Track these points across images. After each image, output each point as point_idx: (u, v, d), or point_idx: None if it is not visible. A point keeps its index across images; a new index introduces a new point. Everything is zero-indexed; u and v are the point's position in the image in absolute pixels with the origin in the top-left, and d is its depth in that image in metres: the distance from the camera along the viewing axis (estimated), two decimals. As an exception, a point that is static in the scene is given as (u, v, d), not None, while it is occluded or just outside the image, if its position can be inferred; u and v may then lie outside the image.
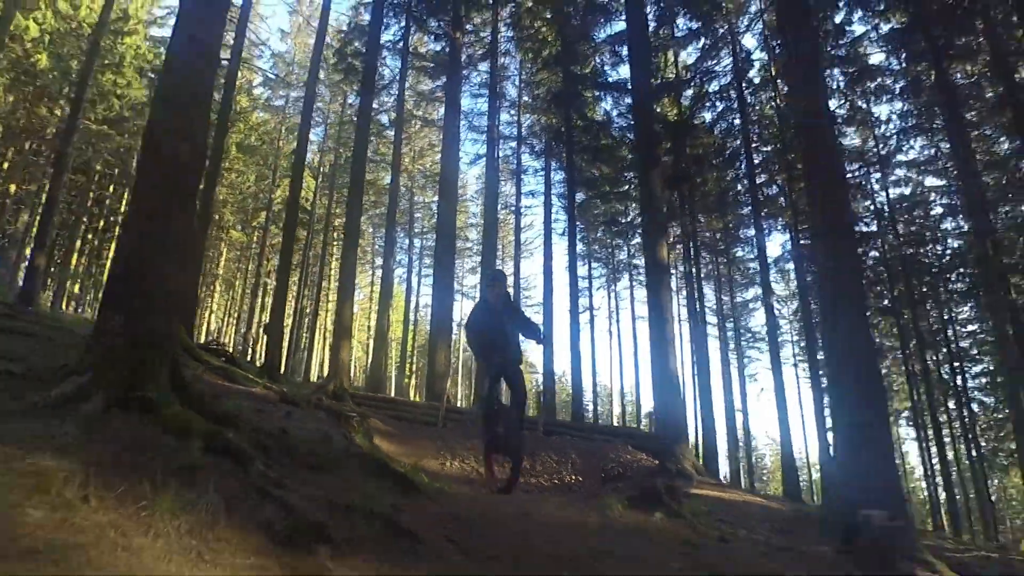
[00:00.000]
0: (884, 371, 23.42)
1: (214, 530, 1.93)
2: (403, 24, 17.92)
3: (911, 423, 23.91)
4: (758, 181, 17.97)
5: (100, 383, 2.57)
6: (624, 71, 20.38)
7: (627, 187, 19.95)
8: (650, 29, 16.81)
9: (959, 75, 14.89)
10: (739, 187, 19.08)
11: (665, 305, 9.28)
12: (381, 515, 2.50)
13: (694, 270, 18.66)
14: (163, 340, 2.91)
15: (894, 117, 19.30)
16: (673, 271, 21.23)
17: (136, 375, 2.71)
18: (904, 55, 15.43)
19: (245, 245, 28.33)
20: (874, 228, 19.48)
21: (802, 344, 23.78)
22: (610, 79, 18.28)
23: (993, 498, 21.16)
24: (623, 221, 22.21)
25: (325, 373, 30.11)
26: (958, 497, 19.90)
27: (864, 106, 17.96)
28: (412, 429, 8.14)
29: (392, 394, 21.76)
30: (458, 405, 16.41)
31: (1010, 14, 12.06)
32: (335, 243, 27.00)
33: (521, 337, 5.06)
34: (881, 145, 18.62)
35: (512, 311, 5.12)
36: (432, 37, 18.76)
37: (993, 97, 14.27)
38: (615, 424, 28.29)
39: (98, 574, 1.50)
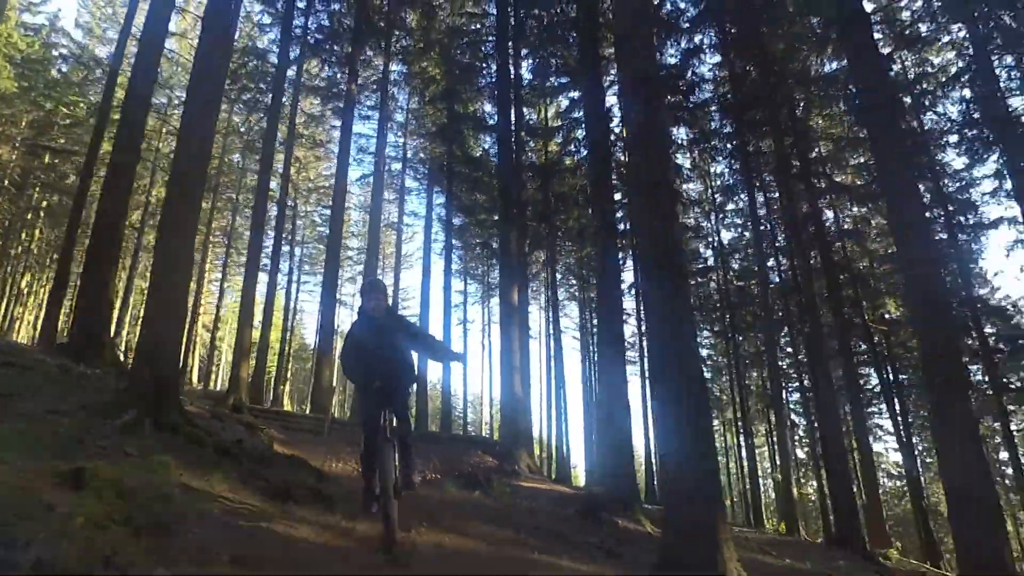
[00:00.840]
0: (719, 386, 28.15)
1: (239, 490, 4.05)
2: (299, 51, 19.34)
3: (740, 430, 28.66)
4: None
5: (144, 414, 4.51)
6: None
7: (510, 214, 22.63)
8: (526, 81, 19.69)
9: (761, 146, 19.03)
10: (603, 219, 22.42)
11: (512, 338, 11.89)
12: (312, 487, 4.69)
13: (550, 294, 21.68)
14: (174, 383, 4.87)
15: (725, 172, 23.61)
16: (537, 298, 24.34)
17: (161, 408, 4.67)
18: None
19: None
20: (711, 263, 23.75)
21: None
22: (490, 122, 20.85)
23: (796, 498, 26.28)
24: (494, 246, 24.87)
25: (196, 377, 30.18)
26: (772, 494, 24.59)
27: (701, 163, 22.04)
28: (301, 437, 10.04)
29: (269, 400, 22.86)
30: (335, 415, 18.05)
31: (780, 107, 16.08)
32: (211, 244, 27.38)
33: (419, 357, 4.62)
34: (717, 195, 22.83)
35: (401, 325, 4.50)
36: (326, 64, 20.27)
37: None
38: (484, 431, 30.92)
39: (198, 500, 3.59)
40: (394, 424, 4.20)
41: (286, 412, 14.79)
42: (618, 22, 7.49)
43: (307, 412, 17.14)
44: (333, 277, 16.75)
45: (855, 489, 14.47)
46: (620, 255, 18.35)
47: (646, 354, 19.30)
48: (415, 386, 5.66)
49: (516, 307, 12.38)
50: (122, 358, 10.88)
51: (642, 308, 18.74)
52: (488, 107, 21.21)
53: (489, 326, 29.96)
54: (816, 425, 17.16)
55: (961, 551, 6.37)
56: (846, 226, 20.78)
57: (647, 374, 19.65)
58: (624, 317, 18.28)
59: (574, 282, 27.05)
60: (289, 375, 31.46)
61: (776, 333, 23.16)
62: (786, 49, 15.67)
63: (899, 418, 19.19)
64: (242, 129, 21.44)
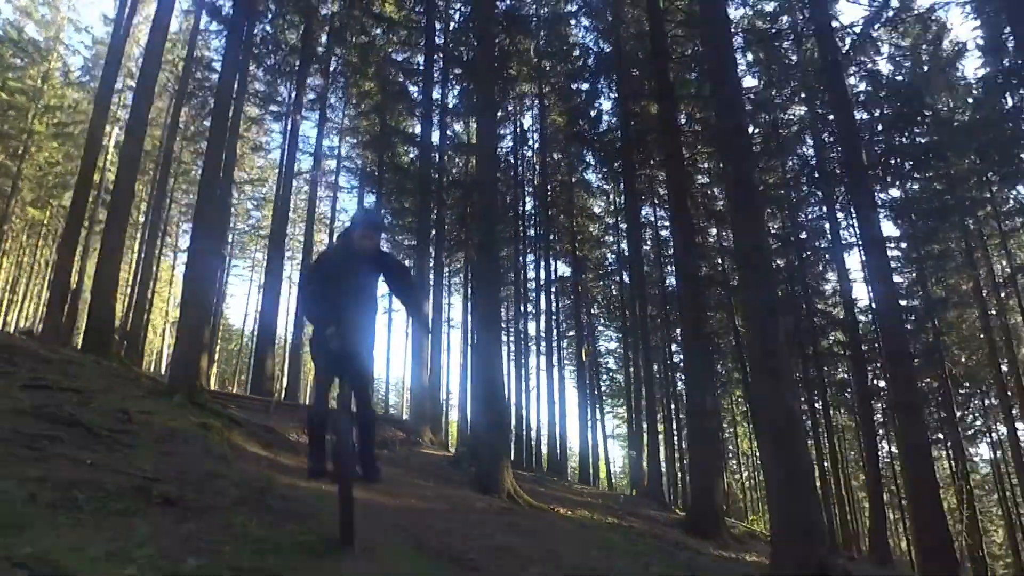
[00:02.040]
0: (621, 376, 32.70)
1: (250, 442, 7.63)
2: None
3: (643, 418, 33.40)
4: (527, 226, 25.42)
5: (187, 398, 7.91)
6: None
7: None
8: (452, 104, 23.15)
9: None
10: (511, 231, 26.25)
11: (424, 342, 15.58)
12: (289, 441, 8.30)
13: (468, 290, 25.41)
14: (199, 374, 8.28)
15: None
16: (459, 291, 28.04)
17: (192, 392, 8.09)
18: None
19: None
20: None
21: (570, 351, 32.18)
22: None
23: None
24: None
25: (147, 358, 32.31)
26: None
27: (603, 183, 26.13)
28: (255, 415, 13.40)
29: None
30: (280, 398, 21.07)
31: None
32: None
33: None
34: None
35: (385, 265, 3.96)
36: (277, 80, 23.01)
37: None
38: (406, 413, 34.46)
39: (225, 445, 7.11)
40: (353, 390, 3.65)
41: (236, 394, 17.92)
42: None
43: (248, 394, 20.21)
44: (278, 271, 19.80)
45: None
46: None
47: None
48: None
49: (429, 314, 16.06)
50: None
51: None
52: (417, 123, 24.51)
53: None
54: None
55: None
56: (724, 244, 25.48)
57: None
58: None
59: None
60: (216, 356, 33.97)
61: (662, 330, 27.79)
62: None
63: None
64: (188, 131, 23.87)
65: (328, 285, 3.72)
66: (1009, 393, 21.32)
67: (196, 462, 4.56)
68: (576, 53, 21.30)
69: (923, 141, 19.47)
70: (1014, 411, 21.21)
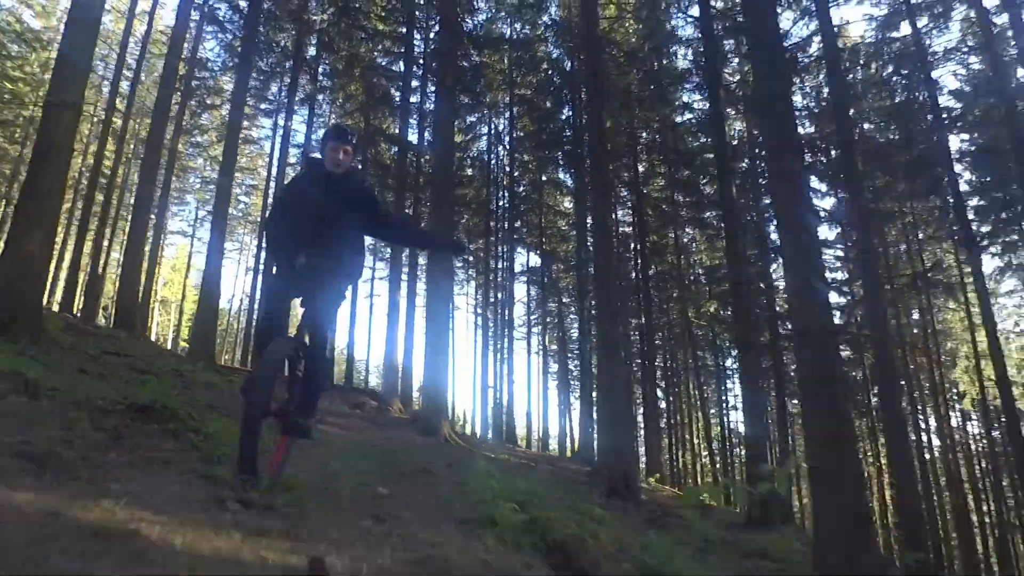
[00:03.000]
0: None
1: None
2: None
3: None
4: (504, 220, 28.39)
5: (209, 364, 10.90)
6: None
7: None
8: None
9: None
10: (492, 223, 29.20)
11: (396, 322, 18.56)
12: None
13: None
14: (213, 347, 11.29)
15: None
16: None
17: (211, 360, 11.10)
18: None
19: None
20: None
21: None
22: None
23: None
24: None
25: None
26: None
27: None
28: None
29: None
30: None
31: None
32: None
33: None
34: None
35: (364, 199, 3.48)
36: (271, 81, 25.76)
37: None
38: (373, 385, 37.72)
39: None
40: (303, 336, 3.35)
41: (236, 367, 20.90)
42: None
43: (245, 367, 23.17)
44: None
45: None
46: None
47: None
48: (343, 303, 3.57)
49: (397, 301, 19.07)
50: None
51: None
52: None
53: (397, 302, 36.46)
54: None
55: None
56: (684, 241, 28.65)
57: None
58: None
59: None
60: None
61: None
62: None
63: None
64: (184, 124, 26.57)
65: (293, 214, 3.35)
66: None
67: (232, 397, 7.55)
68: (544, 66, 24.11)
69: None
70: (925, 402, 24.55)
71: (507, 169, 28.07)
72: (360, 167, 5.02)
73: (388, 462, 6.15)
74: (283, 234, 3.35)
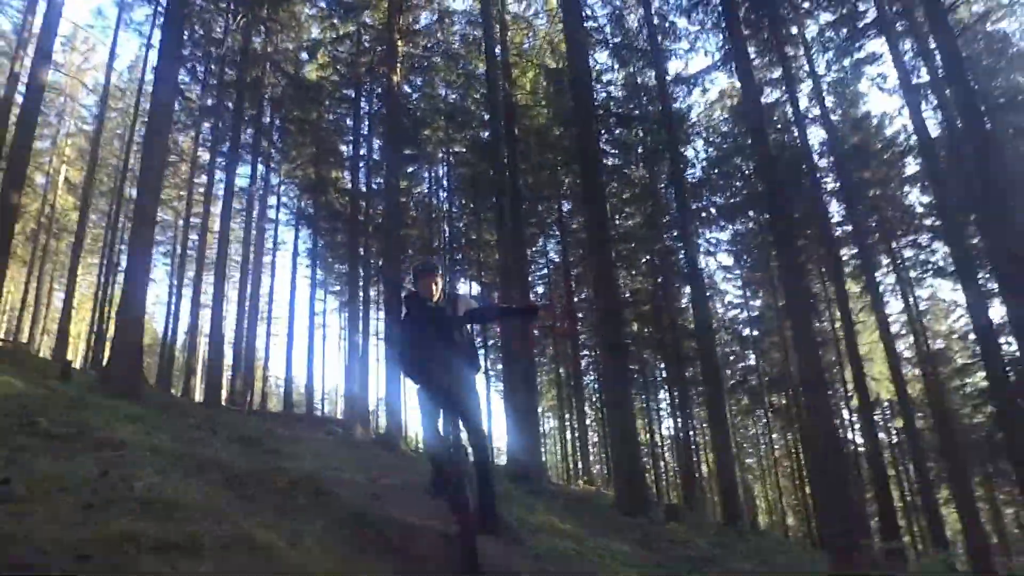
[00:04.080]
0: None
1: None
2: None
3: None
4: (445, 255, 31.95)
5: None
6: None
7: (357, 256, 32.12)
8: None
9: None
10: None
11: (356, 347, 21.74)
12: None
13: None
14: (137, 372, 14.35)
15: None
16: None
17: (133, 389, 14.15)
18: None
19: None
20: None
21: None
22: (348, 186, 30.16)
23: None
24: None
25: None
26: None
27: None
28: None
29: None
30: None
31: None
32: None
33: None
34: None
35: (460, 309, 4.24)
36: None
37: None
38: (340, 413, 40.41)
39: None
40: (464, 436, 3.97)
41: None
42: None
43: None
44: (220, 293, 25.45)
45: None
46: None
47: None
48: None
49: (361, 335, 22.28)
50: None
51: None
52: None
53: (348, 331, 39.45)
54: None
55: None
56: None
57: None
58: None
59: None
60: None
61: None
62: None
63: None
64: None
65: (414, 348, 4.06)
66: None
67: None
68: (474, 123, 27.78)
69: (736, 200, 26.91)
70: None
71: (447, 208, 31.67)
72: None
73: (371, 464, 9.54)
74: (411, 360, 4.08)
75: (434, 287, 4.19)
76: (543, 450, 33.49)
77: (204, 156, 31.20)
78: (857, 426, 29.28)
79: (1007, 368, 13.08)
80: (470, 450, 4.01)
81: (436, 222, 32.29)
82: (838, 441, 12.27)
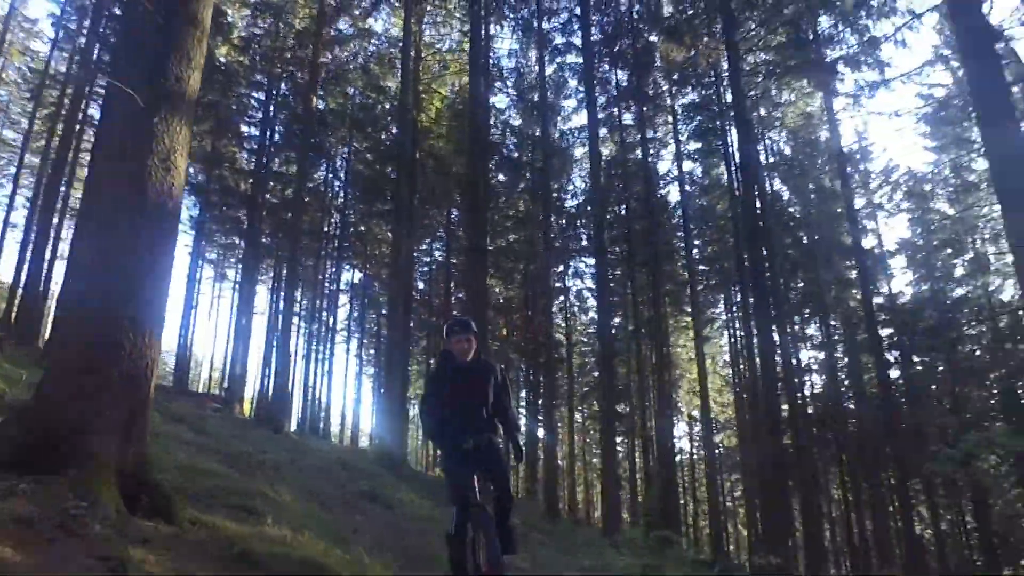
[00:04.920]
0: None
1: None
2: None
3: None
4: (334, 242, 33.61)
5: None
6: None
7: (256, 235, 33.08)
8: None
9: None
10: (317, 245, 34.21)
11: (243, 326, 23.36)
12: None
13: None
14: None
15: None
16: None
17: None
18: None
19: None
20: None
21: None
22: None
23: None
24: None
25: None
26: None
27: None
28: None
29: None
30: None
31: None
32: None
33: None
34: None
35: (493, 375, 4.25)
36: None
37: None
38: (224, 387, 40.97)
39: None
40: (494, 485, 4.04)
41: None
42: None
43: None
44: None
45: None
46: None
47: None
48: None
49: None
50: None
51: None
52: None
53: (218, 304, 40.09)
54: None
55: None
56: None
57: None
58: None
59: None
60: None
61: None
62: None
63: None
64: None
65: (447, 406, 4.06)
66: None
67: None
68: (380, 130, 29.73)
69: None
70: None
71: (341, 198, 33.40)
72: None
73: (270, 446, 11.89)
74: (440, 422, 4.07)
75: (467, 346, 4.18)
76: (408, 437, 36.06)
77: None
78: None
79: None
80: (491, 509, 3.99)
81: (327, 211, 33.86)
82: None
